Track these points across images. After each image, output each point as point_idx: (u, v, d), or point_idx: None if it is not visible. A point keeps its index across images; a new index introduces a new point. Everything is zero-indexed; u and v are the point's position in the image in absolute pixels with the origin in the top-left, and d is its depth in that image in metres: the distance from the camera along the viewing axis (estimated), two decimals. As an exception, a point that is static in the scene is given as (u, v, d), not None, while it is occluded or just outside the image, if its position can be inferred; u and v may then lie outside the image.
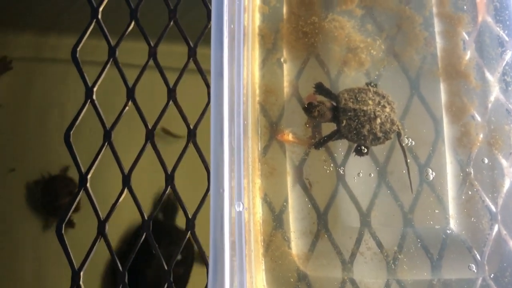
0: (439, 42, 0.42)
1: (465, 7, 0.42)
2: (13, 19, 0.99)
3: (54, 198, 0.88)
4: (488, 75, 0.41)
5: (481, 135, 0.39)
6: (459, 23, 0.42)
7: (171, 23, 0.44)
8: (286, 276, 0.36)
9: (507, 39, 0.41)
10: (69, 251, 0.39)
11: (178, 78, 0.41)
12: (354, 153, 0.38)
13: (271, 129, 0.38)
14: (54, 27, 0.97)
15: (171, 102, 0.42)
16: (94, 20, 0.43)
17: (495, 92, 0.40)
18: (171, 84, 0.42)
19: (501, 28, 0.41)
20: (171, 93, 0.42)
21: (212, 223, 0.27)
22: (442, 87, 0.41)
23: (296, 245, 0.37)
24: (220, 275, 0.27)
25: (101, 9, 0.44)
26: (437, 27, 0.42)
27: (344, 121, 0.37)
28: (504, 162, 0.38)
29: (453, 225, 0.38)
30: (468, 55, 0.41)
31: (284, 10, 0.42)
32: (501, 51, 0.41)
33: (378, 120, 0.37)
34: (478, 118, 0.40)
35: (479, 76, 0.41)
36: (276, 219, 0.37)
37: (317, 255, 0.37)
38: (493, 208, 0.38)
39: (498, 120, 0.39)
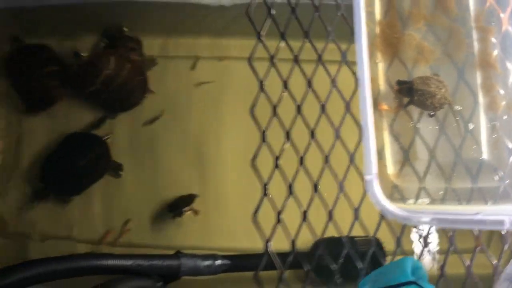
0: (476, 45, 0.67)
1: (493, 23, 0.67)
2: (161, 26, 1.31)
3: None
4: (508, 65, 0.66)
5: (503, 102, 0.65)
6: (489, 32, 0.67)
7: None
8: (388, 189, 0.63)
9: (520, 41, 0.66)
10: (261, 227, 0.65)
11: (338, 69, 0.68)
12: (428, 116, 0.65)
13: (374, 102, 0.65)
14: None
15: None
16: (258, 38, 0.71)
17: (513, 76, 0.66)
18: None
19: (517, 34, 0.66)
20: (333, 82, 0.69)
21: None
22: (478, 74, 0.66)
23: (390, 168, 0.64)
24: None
25: (263, 33, 0.72)
26: (475, 36, 0.68)
27: (416, 97, 0.64)
28: (518, 118, 0.64)
29: (485, 156, 0.64)
30: (495, 53, 0.67)
31: (377, 30, 0.68)
32: (517, 49, 0.66)
33: (437, 97, 0.63)
34: (502, 92, 0.65)
35: (502, 66, 0.66)
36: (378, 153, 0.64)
37: (404, 174, 0.64)
38: (510, 145, 0.64)
39: (515, 93, 0.65)
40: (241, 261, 1.08)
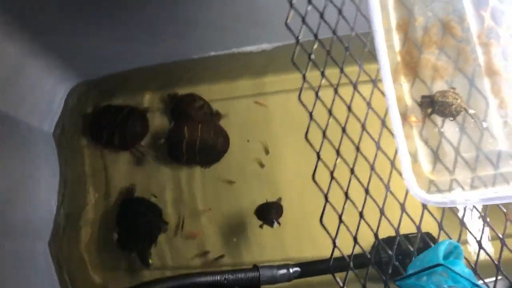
0: (481, 58, 0.82)
1: (492, 38, 0.82)
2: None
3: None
4: (510, 70, 0.81)
5: (511, 101, 0.79)
6: (491, 46, 0.82)
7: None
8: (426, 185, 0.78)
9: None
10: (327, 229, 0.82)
11: (371, 93, 0.85)
12: (449, 120, 0.80)
13: (404, 116, 0.81)
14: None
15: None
16: (303, 79, 0.89)
17: (519, 81, 0.80)
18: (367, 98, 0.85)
19: (515, 45, 0.81)
20: (368, 105, 0.86)
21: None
22: (487, 81, 0.81)
23: (425, 167, 0.80)
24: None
25: (307, 73, 0.90)
26: (479, 50, 0.83)
27: (437, 108, 0.79)
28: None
29: (501, 147, 0.78)
30: (497, 62, 0.82)
31: (399, 58, 0.85)
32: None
33: (453, 106, 0.78)
34: (508, 92, 0.80)
35: (505, 72, 0.81)
36: (413, 157, 0.80)
37: (437, 170, 0.79)
38: (521, 135, 0.78)
39: (519, 92, 0.79)
40: (311, 267, 1.25)
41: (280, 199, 1.38)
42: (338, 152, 0.85)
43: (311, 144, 0.85)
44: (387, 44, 0.84)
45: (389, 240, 0.87)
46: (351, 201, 0.82)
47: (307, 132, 0.86)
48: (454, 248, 0.72)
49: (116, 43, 1.38)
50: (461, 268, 0.66)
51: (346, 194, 0.82)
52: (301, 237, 1.42)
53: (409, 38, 0.85)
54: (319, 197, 1.33)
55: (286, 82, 1.50)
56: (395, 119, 0.70)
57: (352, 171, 0.84)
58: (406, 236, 0.97)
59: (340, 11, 0.91)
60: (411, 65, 0.84)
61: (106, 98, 1.59)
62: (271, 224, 1.30)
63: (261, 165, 1.49)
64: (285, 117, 1.48)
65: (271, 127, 1.53)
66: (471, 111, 0.80)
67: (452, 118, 0.80)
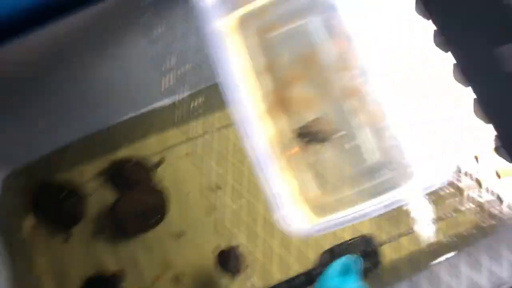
0: (343, 81, 0.90)
1: (349, 61, 0.90)
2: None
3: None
4: (368, 88, 0.89)
5: (376, 115, 0.87)
6: (349, 69, 0.91)
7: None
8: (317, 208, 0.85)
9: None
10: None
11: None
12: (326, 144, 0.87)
13: (286, 149, 0.88)
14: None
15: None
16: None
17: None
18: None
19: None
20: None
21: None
22: (352, 101, 0.89)
23: (315, 192, 0.86)
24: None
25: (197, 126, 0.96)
26: (340, 74, 0.91)
27: (312, 136, 0.87)
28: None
29: (378, 156, 0.86)
30: (357, 81, 0.90)
31: (272, 98, 0.92)
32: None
33: (326, 131, 0.86)
34: (372, 108, 0.88)
35: (365, 90, 0.89)
36: (303, 184, 0.86)
37: (327, 192, 0.86)
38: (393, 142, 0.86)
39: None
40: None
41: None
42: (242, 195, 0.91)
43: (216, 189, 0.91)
44: (260, 85, 0.92)
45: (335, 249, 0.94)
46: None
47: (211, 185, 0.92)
48: (353, 263, 0.79)
49: (32, 127, 1.41)
50: (353, 283, 0.72)
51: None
52: (267, 265, 1.45)
53: (276, 78, 0.92)
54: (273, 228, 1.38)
55: (207, 124, 1.55)
56: (258, 162, 0.76)
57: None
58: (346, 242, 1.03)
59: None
60: (284, 102, 0.91)
61: (43, 180, 1.61)
62: (233, 277, 1.33)
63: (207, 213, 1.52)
64: (215, 158, 1.52)
65: (205, 170, 1.57)
66: (342, 133, 0.87)
67: (327, 142, 0.87)
